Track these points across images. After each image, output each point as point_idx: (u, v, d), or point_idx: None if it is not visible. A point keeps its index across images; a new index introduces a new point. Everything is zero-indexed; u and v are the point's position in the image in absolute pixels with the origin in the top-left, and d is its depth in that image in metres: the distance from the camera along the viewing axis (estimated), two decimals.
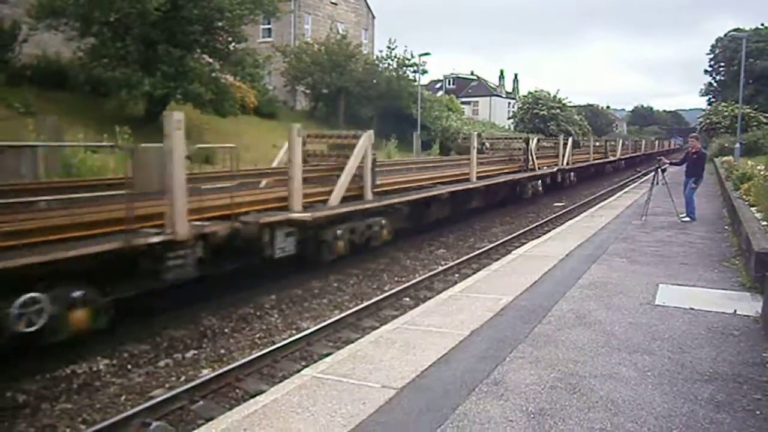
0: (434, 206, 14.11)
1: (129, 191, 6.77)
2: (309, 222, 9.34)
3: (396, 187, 12.66)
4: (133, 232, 6.66)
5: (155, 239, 6.82)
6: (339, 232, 10.24)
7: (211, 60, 21.48)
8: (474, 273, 9.51)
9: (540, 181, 21.66)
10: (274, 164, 11.93)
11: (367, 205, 11.07)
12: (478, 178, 16.24)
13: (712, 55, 67.69)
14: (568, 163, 25.17)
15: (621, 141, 43.22)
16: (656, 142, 65.40)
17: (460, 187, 14.99)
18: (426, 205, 13.73)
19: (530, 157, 20.15)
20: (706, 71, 69.38)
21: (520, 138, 23.40)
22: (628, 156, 44.85)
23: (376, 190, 11.51)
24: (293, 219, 9.04)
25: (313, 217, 9.40)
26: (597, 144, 35.81)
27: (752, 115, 46.79)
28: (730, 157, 29.09)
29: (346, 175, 10.55)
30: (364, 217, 11.10)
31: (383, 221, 11.66)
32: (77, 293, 6.23)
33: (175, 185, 6.97)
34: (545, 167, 22.02)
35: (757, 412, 4.06)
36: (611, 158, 37.15)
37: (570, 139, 26.38)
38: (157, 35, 18.77)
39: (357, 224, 10.85)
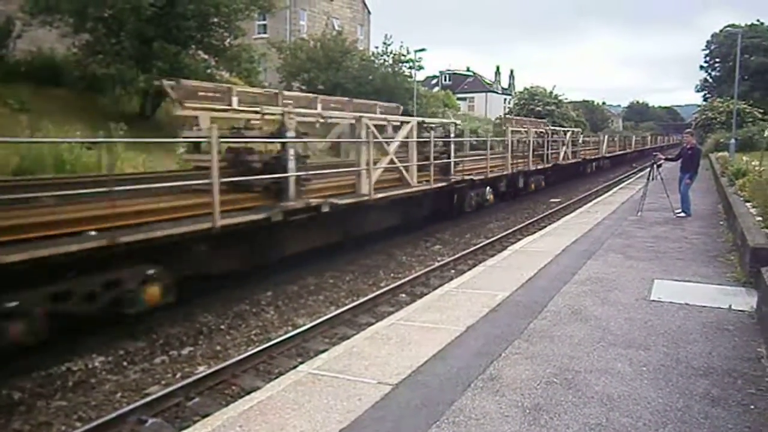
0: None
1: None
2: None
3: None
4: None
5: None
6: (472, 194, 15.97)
7: (206, 56, 21.41)
8: (470, 269, 9.52)
9: None
10: None
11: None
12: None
13: (707, 51, 67.54)
14: None
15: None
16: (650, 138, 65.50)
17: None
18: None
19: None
20: (701, 67, 69.26)
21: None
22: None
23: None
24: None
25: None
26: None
27: (748, 110, 46.74)
28: (726, 153, 29.13)
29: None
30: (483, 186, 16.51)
31: (490, 189, 17.17)
32: None
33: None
34: None
35: (752, 407, 4.07)
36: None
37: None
38: (152, 31, 18.67)
39: (479, 190, 16.23)
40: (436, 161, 14.00)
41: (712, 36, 66.55)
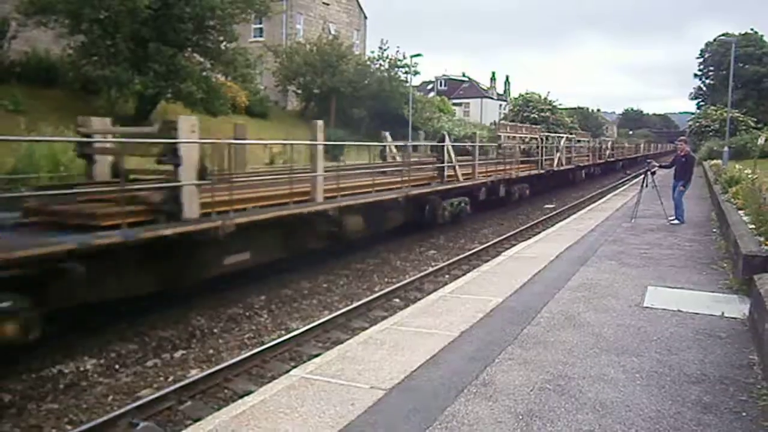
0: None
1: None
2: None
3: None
4: None
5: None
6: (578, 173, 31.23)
7: (202, 59, 21.40)
8: (464, 274, 9.53)
9: None
10: None
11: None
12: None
13: (701, 60, 68.01)
14: None
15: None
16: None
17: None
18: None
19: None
20: (695, 75, 69.71)
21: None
22: None
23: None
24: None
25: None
26: None
27: (741, 119, 47.16)
28: (719, 161, 29.29)
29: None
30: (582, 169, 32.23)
31: (585, 171, 32.81)
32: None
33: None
34: None
35: (743, 414, 4.08)
36: None
37: None
38: (148, 33, 18.65)
39: (580, 171, 31.13)
40: (570, 155, 29.26)
41: (706, 45, 66.99)
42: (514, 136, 24.83)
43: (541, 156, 23.89)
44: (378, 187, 12.37)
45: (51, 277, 6.13)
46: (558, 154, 26.01)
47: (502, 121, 32.35)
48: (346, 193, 11.41)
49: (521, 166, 21.79)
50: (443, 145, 15.65)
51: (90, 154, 9.11)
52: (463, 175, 16.36)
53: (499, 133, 23.94)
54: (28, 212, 7.32)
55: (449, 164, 15.57)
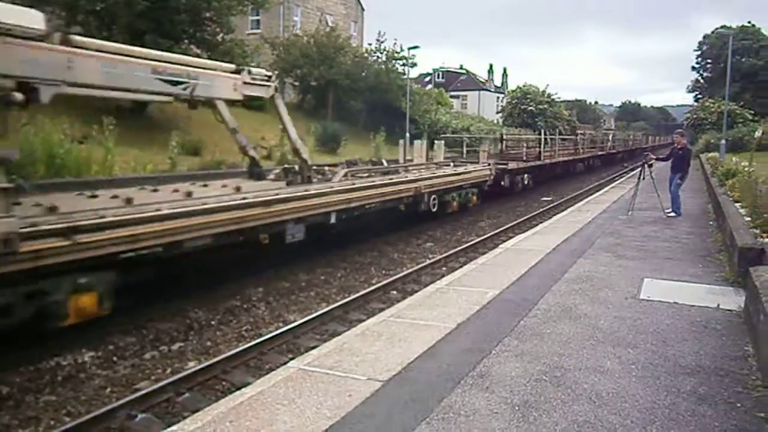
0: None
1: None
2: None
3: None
4: None
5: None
6: (617, 156, 49.61)
7: (198, 51, 21.33)
8: (461, 266, 9.54)
9: None
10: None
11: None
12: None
13: (699, 52, 67.82)
14: None
15: None
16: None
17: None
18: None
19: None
20: (693, 68, 69.47)
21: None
22: None
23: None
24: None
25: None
26: None
27: (738, 112, 47.13)
28: (716, 154, 29.33)
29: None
30: (620, 154, 51.82)
31: (621, 156, 51.57)
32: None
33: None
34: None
35: (738, 405, 4.11)
36: None
37: None
38: (145, 25, 18.58)
39: (618, 156, 49.58)
40: (613, 144, 47.00)
41: (704, 37, 66.81)
42: (584, 132, 42.51)
43: (603, 143, 41.88)
44: (552, 157, 27.65)
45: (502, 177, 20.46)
46: (608, 143, 43.58)
47: (578, 123, 52.25)
48: (546, 156, 26.14)
49: (596, 149, 39.69)
50: (573, 138, 33.39)
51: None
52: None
53: (578, 131, 41.01)
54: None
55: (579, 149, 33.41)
